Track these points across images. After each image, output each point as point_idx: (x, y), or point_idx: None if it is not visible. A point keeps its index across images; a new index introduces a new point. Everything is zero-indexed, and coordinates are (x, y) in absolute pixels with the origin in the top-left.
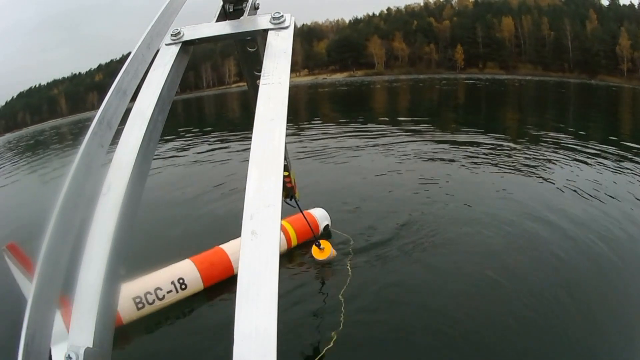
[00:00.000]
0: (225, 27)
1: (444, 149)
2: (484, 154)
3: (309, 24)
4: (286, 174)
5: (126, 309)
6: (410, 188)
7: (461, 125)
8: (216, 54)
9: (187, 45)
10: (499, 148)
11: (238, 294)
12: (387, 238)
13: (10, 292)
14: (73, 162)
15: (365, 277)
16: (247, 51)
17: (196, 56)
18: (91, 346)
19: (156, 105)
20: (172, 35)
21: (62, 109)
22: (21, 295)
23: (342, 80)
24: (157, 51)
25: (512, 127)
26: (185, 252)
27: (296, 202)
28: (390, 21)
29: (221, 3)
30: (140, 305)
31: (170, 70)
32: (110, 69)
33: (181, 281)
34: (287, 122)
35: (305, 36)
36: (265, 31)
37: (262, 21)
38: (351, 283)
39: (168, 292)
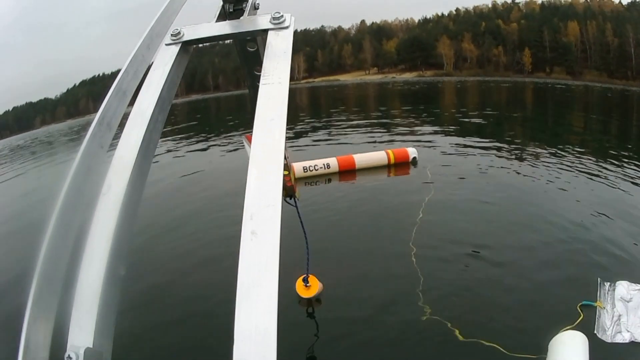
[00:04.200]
0: (225, 27)
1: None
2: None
3: (378, 22)
4: (286, 173)
5: (298, 171)
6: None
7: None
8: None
9: (187, 45)
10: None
11: (238, 294)
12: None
13: (11, 292)
14: (73, 162)
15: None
16: (247, 51)
17: None
18: (91, 346)
19: (156, 105)
20: (172, 35)
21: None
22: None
23: (413, 80)
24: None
25: None
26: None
27: (296, 202)
28: (459, 22)
29: (221, 3)
30: (305, 170)
31: (170, 71)
32: None
33: (328, 164)
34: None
35: (375, 34)
36: (265, 31)
37: (262, 21)
38: None
39: (320, 168)
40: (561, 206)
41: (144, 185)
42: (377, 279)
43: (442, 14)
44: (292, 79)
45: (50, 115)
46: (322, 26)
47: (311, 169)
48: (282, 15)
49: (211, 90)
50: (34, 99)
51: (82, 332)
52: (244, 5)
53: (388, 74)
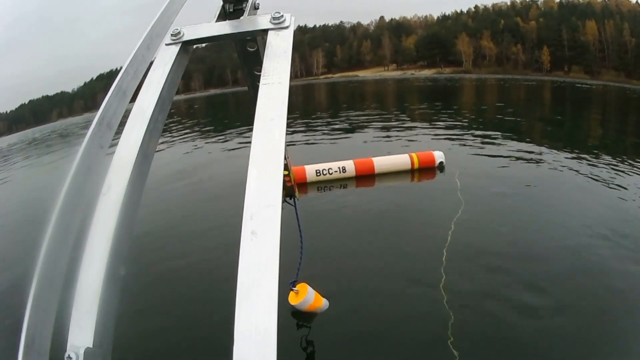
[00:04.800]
0: (225, 27)
1: None
2: None
3: (397, 18)
4: (286, 173)
5: (311, 175)
6: None
7: None
8: (304, 44)
9: (187, 45)
10: None
11: (238, 294)
12: None
13: (11, 292)
14: (73, 162)
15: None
16: (247, 51)
17: None
18: (91, 346)
19: (156, 105)
20: (172, 35)
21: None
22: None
23: (432, 77)
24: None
25: None
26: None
27: (295, 202)
28: (478, 19)
29: (221, 3)
30: (318, 174)
31: (170, 70)
32: (194, 55)
33: (343, 168)
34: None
35: (394, 31)
36: (265, 31)
37: (262, 21)
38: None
39: (334, 172)
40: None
41: (144, 185)
42: (397, 314)
43: (461, 11)
44: (311, 74)
45: (67, 108)
46: (341, 22)
47: (324, 172)
48: (282, 15)
49: (230, 85)
50: (51, 92)
51: (82, 332)
52: (244, 5)
53: (407, 71)
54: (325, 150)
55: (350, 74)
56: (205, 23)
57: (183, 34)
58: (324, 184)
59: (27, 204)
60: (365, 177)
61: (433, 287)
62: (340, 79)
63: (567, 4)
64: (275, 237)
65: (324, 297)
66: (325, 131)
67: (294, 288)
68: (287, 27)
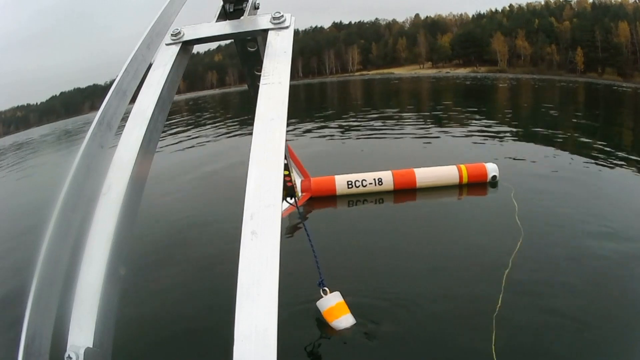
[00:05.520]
0: (226, 27)
1: None
2: None
3: (432, 16)
4: (286, 173)
5: (341, 187)
6: None
7: None
8: (340, 41)
9: (187, 45)
10: None
11: (238, 294)
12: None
13: (11, 292)
14: (73, 162)
15: None
16: (247, 51)
17: (320, 42)
18: (91, 346)
19: (156, 105)
20: (172, 35)
21: (180, 86)
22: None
23: (468, 75)
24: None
25: None
26: None
27: (296, 202)
28: (512, 18)
29: (221, 3)
30: (350, 186)
31: (170, 70)
32: (228, 51)
33: (380, 180)
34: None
35: (429, 28)
36: (266, 31)
37: (262, 21)
38: None
39: (369, 184)
40: None
41: (144, 185)
42: None
43: (496, 10)
44: (346, 71)
45: (99, 100)
46: (377, 19)
47: (357, 184)
48: (282, 15)
49: None
50: (83, 85)
51: (82, 332)
52: (244, 5)
53: (442, 69)
54: (359, 156)
55: (386, 71)
56: (205, 23)
57: (183, 34)
58: (357, 198)
59: (27, 204)
60: (406, 191)
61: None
62: (375, 75)
63: (600, 5)
64: (275, 237)
65: (353, 314)
66: (360, 133)
67: (324, 287)
68: (287, 27)
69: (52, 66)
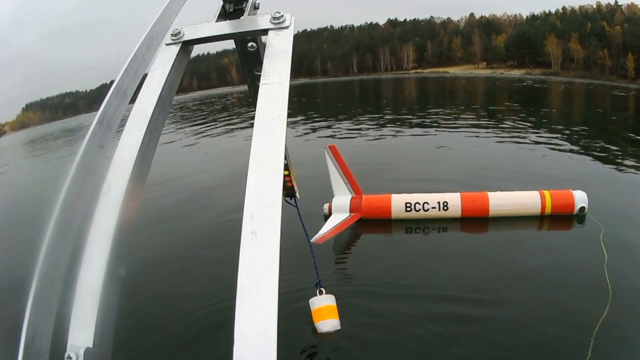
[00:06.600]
0: (226, 27)
1: None
2: None
3: (487, 16)
4: (286, 173)
5: (398, 209)
6: None
7: None
8: (395, 38)
9: (187, 45)
10: None
11: (238, 294)
12: None
13: (11, 291)
14: (73, 162)
15: None
16: (247, 51)
17: (375, 38)
18: (91, 346)
19: (156, 105)
20: (172, 35)
21: (233, 78)
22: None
23: (524, 77)
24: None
25: None
26: None
27: (296, 202)
28: (565, 21)
29: (221, 3)
30: (408, 208)
31: (170, 70)
32: None
33: (445, 204)
34: None
35: (484, 28)
36: (266, 31)
37: (262, 21)
38: None
39: (432, 208)
40: None
41: (144, 185)
42: None
43: (550, 12)
44: (401, 68)
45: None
46: (432, 17)
47: (418, 207)
48: (282, 15)
49: (319, 75)
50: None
51: (82, 332)
52: (244, 5)
53: (497, 70)
54: (419, 170)
55: (441, 69)
56: (205, 23)
57: (183, 34)
58: (416, 225)
59: (27, 204)
60: (475, 220)
61: None
62: (430, 74)
63: None
64: (275, 237)
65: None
66: (418, 139)
67: (321, 288)
68: (287, 27)
69: (104, 55)
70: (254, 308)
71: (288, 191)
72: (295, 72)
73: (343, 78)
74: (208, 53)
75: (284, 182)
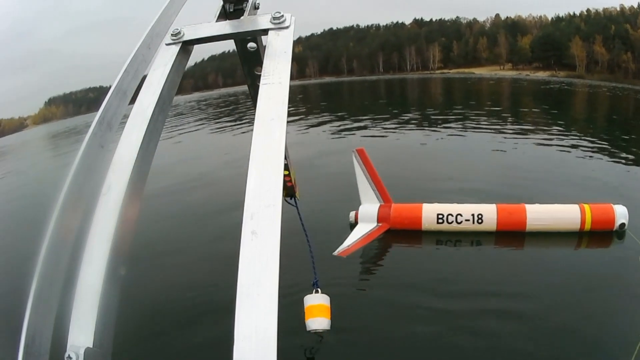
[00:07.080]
0: (226, 27)
1: None
2: None
3: (512, 17)
4: (286, 173)
5: (429, 220)
6: None
7: None
8: (421, 37)
9: (187, 45)
10: None
11: (238, 294)
12: None
13: (11, 291)
14: (73, 162)
15: None
16: (247, 51)
17: (400, 38)
18: (91, 346)
19: (156, 105)
20: (172, 35)
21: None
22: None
23: (549, 79)
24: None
25: None
26: None
27: (296, 202)
28: (590, 23)
29: (221, 3)
30: (440, 220)
31: (170, 70)
32: (309, 43)
33: (480, 216)
34: None
35: (510, 29)
36: (266, 31)
37: (262, 21)
38: None
39: (466, 220)
40: None
41: (144, 185)
42: None
43: (574, 14)
44: (427, 68)
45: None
46: (457, 17)
47: (450, 219)
48: (282, 15)
49: (345, 74)
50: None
51: (82, 332)
52: (244, 5)
53: (522, 71)
54: (450, 174)
55: (466, 70)
56: (205, 23)
57: (183, 34)
58: (447, 237)
59: (27, 204)
60: (511, 234)
61: None
62: (456, 75)
63: None
64: (275, 237)
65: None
66: (447, 142)
67: (317, 288)
68: (287, 27)
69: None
70: (254, 308)
71: (288, 191)
72: (321, 70)
73: (369, 77)
74: (233, 50)
75: (284, 182)
